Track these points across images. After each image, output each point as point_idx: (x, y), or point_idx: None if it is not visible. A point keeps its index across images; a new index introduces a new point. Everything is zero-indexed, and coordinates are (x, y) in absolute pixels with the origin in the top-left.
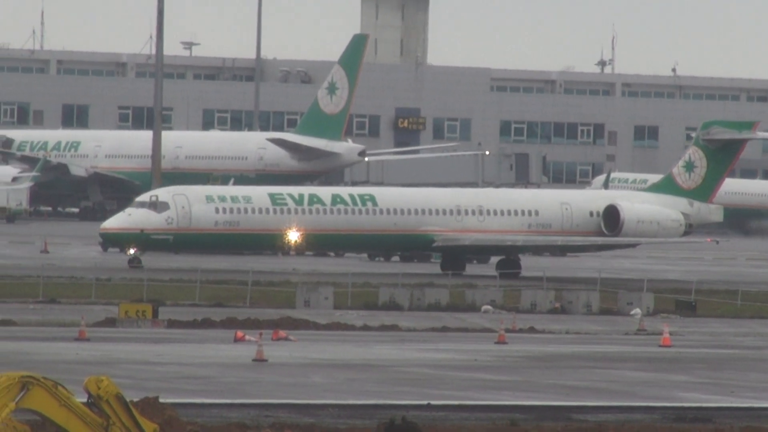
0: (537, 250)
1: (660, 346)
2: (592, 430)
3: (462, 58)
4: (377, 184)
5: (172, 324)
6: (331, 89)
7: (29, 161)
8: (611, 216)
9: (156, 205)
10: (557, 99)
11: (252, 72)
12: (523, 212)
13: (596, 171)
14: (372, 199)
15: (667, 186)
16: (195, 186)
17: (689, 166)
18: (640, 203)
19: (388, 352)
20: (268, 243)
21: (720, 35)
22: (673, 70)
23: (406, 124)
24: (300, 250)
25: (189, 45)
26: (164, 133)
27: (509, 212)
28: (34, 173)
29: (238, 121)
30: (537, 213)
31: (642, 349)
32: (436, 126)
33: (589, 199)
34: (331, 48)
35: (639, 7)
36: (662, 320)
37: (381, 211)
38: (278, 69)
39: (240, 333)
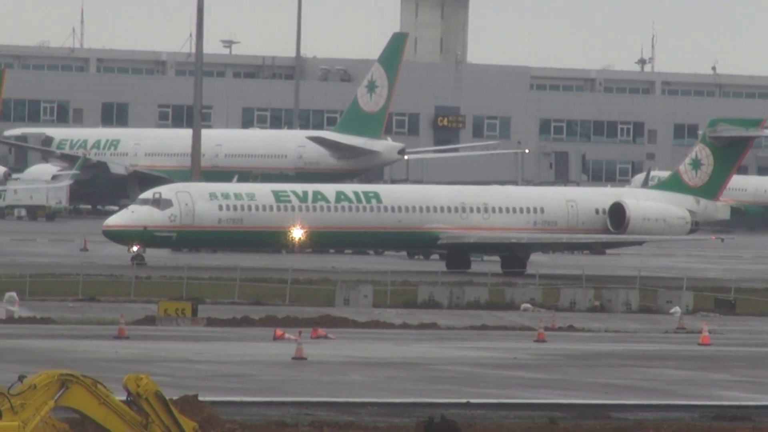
0: (542, 247)
1: (699, 344)
2: (631, 429)
3: (501, 57)
4: (417, 182)
5: (211, 322)
6: (371, 87)
7: (69, 159)
8: (617, 213)
9: (159, 202)
10: (597, 97)
11: (291, 70)
12: (528, 210)
13: (636, 169)
14: (376, 196)
15: (674, 183)
16: (198, 183)
17: (696, 164)
18: (646, 201)
19: (427, 350)
20: (272, 240)
21: (760, 33)
22: (713, 68)
23: (445, 123)
24: (304, 247)
25: (228, 43)
26: (204, 132)
27: (514, 209)
28: (73, 171)
29: (277, 120)
30: (542, 210)
31: (681, 348)
32: (476, 124)
33: (595, 196)
34: (371, 46)
35: (679, 5)
36: (702, 319)
37: (385, 209)
38: (318, 67)
39: (279, 331)
